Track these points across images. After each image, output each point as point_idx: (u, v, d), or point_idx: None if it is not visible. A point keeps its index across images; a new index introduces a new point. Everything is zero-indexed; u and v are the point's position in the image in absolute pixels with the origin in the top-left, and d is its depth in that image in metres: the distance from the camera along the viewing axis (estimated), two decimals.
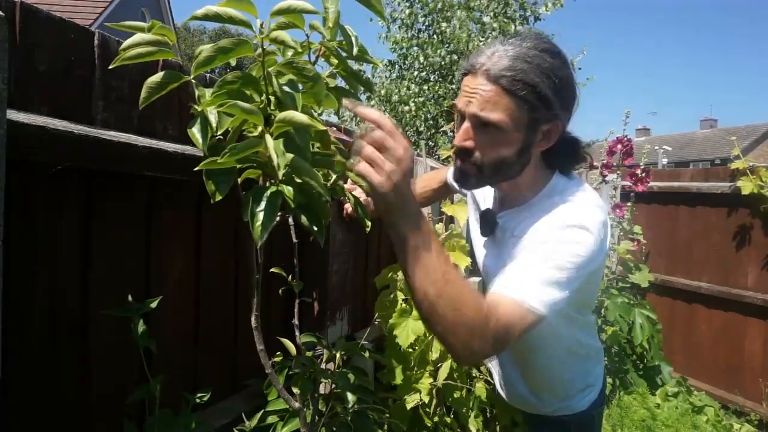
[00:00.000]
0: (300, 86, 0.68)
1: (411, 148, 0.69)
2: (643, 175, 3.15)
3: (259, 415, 1.02)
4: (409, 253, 0.69)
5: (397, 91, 5.76)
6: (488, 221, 1.01)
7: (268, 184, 0.69)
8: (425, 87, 5.70)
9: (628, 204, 3.22)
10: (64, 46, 0.74)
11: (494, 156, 0.83)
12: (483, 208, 1.07)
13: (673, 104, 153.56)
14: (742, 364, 2.87)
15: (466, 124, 0.83)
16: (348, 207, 1.25)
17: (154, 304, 0.84)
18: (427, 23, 6.00)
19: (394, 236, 0.70)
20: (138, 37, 0.66)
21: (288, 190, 0.65)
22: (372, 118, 0.68)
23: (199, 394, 0.93)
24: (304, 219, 0.70)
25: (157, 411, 0.84)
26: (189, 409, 0.90)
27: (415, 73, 5.96)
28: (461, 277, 0.73)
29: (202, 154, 0.90)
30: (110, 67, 0.68)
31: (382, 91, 5.74)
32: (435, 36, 5.88)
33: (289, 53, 0.71)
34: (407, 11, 5.95)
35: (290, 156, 0.63)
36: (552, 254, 0.78)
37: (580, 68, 6.24)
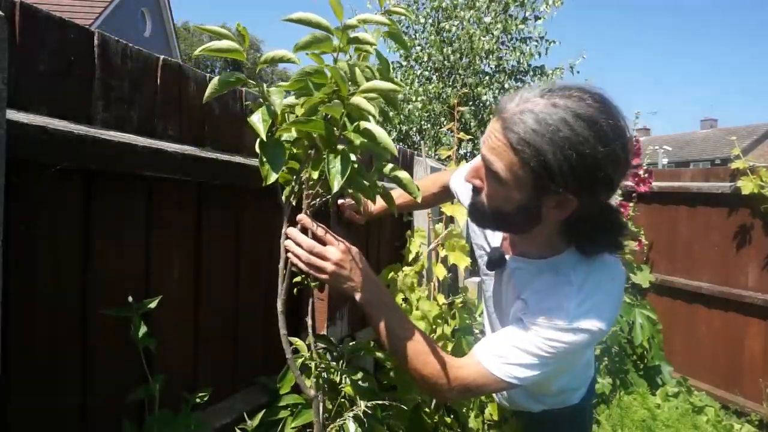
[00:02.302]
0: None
1: (342, 247, 0.85)
2: (646, 175, 3.15)
3: (260, 414, 1.02)
4: (369, 317, 0.86)
5: (401, 89, 5.77)
6: (496, 259, 0.98)
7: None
8: (429, 86, 5.70)
9: (631, 204, 3.21)
10: (64, 46, 0.74)
11: (495, 205, 0.80)
12: (491, 240, 1.03)
13: (673, 104, 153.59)
14: (743, 364, 2.87)
15: (480, 162, 0.81)
16: (345, 204, 1.25)
17: (153, 304, 0.84)
18: (429, 23, 6.00)
19: (361, 303, 0.86)
20: (225, 43, 0.74)
21: (352, 156, 0.76)
22: (304, 226, 0.85)
23: (199, 394, 0.93)
24: (351, 190, 0.87)
25: (156, 411, 0.84)
26: (189, 408, 0.90)
27: (419, 71, 5.96)
28: (419, 336, 0.84)
29: (202, 154, 0.91)
30: (194, 55, 0.80)
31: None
32: (437, 36, 5.88)
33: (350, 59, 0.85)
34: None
35: (376, 108, 0.77)
36: (534, 340, 0.80)
37: (578, 72, 6.24)
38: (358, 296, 0.84)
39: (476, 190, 0.83)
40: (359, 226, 1.43)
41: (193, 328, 1.01)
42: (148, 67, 0.88)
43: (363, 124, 0.75)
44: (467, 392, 0.84)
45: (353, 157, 0.75)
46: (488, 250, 1.03)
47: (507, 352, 0.82)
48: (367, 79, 0.79)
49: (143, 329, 0.81)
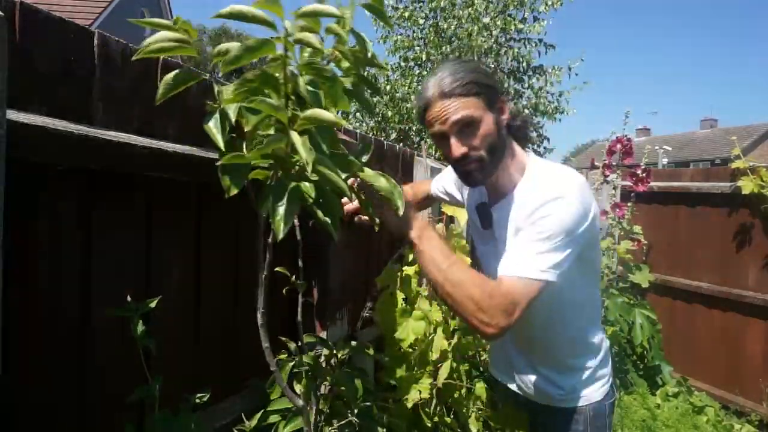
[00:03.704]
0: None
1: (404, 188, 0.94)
2: (644, 175, 3.15)
3: (258, 415, 1.02)
4: (419, 254, 0.93)
5: (400, 87, 5.77)
6: (486, 214, 1.13)
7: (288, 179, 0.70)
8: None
9: (628, 204, 3.21)
10: (64, 46, 0.74)
11: (485, 142, 0.97)
12: (476, 201, 1.17)
13: (673, 104, 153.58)
14: (743, 364, 2.87)
15: (453, 138, 0.97)
16: (349, 207, 1.24)
17: (153, 304, 0.84)
18: (429, 25, 6.00)
19: (409, 244, 0.94)
20: (162, 35, 0.68)
21: (306, 186, 0.68)
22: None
23: (198, 395, 0.93)
24: (320, 214, 0.73)
25: (156, 411, 0.84)
26: (189, 409, 0.90)
27: (417, 71, 5.96)
28: (465, 264, 0.92)
29: (202, 154, 0.90)
30: (133, 59, 0.70)
31: (387, 87, 5.73)
32: (436, 35, 5.88)
33: (306, 54, 0.72)
34: (407, 13, 5.94)
35: (314, 154, 0.65)
36: (539, 229, 0.91)
37: (576, 74, 6.31)
38: (412, 233, 0.93)
39: (464, 159, 0.98)
40: (360, 225, 1.43)
41: (193, 328, 1.01)
42: (148, 67, 0.88)
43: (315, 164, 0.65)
44: (512, 307, 0.87)
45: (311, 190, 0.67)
46: (476, 216, 1.18)
47: (525, 252, 0.91)
48: (352, 63, 0.72)
49: (142, 329, 0.81)
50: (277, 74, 0.67)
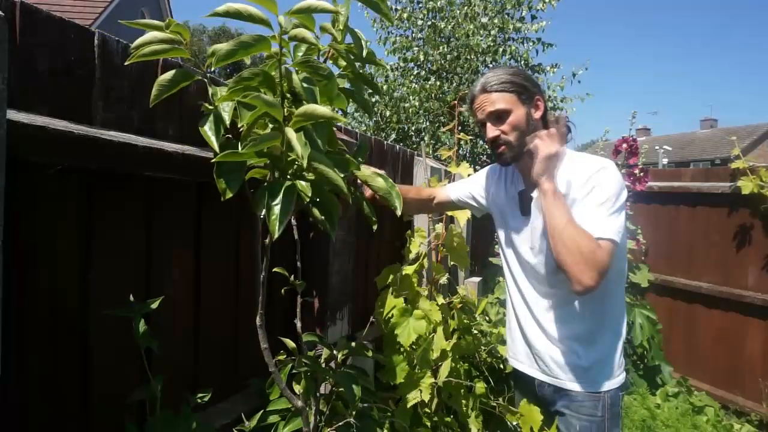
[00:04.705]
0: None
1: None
2: (642, 174, 3.15)
3: (258, 415, 1.02)
4: (549, 199, 1.08)
5: (399, 87, 5.77)
6: (526, 200, 1.26)
7: (284, 178, 0.69)
8: (426, 85, 5.70)
9: (628, 203, 3.21)
10: (64, 46, 0.74)
11: (515, 130, 1.17)
12: (513, 195, 1.30)
13: (673, 104, 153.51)
14: (743, 364, 2.87)
15: (489, 125, 1.19)
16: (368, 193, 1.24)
17: (155, 305, 0.84)
18: (426, 23, 6.00)
19: (542, 189, 1.10)
20: (151, 35, 0.66)
21: (302, 184, 0.67)
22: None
23: (199, 395, 0.93)
24: (316, 212, 0.71)
25: (158, 411, 0.84)
26: (189, 409, 0.90)
27: (416, 71, 5.95)
28: (580, 225, 1.04)
29: (202, 154, 0.90)
30: (126, 63, 0.69)
31: (385, 87, 5.72)
32: (434, 35, 5.87)
33: (300, 53, 0.71)
34: (405, 14, 5.94)
35: (309, 150, 0.65)
36: (599, 196, 1.07)
37: (579, 81, 6.39)
38: (547, 184, 1.09)
39: (497, 143, 1.18)
40: (360, 224, 1.43)
41: (193, 328, 1.01)
42: (148, 67, 0.88)
43: (311, 160, 0.65)
44: (603, 266, 1.02)
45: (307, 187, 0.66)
46: (515, 204, 1.30)
47: (596, 217, 1.05)
48: (348, 61, 0.71)
49: (144, 329, 0.81)
50: (273, 72, 0.67)
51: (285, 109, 0.67)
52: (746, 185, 2.70)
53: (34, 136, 0.63)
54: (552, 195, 1.08)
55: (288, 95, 0.68)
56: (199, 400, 0.92)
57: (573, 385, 1.18)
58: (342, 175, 0.71)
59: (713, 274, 3.02)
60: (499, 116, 1.17)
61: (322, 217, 0.73)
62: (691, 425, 2.71)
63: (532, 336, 1.25)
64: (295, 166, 0.70)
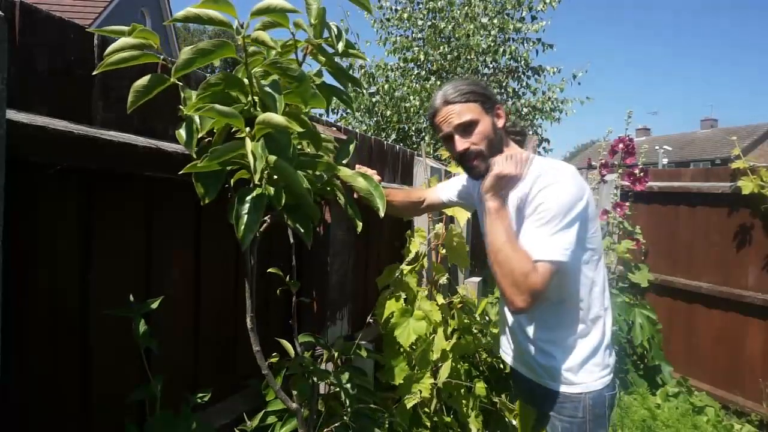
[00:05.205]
0: (286, 86, 0.68)
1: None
2: (641, 174, 3.15)
3: (260, 415, 1.02)
4: (492, 218, 1.07)
5: (400, 87, 5.76)
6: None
7: (254, 185, 0.68)
8: (427, 85, 5.70)
9: (627, 203, 3.21)
10: (64, 46, 0.74)
11: (485, 139, 1.15)
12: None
13: (673, 104, 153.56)
14: (743, 364, 2.86)
15: (457, 137, 1.16)
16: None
17: (155, 305, 0.84)
18: (426, 23, 6.00)
19: (486, 206, 1.09)
20: (121, 41, 0.65)
21: (271, 191, 0.65)
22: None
23: (199, 395, 0.93)
24: (290, 220, 0.70)
25: (157, 411, 0.84)
26: (189, 409, 0.90)
27: (416, 71, 5.96)
28: (519, 246, 1.03)
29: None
30: (93, 73, 0.68)
31: (385, 86, 5.72)
32: (434, 35, 5.87)
33: (273, 53, 0.71)
34: (406, 14, 5.94)
35: (273, 158, 0.63)
36: (542, 215, 1.04)
37: (579, 83, 6.39)
38: (494, 203, 1.08)
39: (467, 155, 1.16)
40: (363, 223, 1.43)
41: (193, 328, 1.01)
42: (148, 66, 0.88)
43: (276, 163, 0.64)
44: (536, 288, 1.00)
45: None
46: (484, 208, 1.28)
47: (538, 238, 1.03)
48: (326, 55, 0.69)
49: (144, 329, 0.81)
50: (242, 76, 0.65)
51: (255, 114, 0.65)
52: (746, 185, 2.70)
53: (34, 136, 0.63)
54: (495, 213, 1.08)
55: (257, 99, 0.67)
56: (198, 400, 0.92)
57: (553, 385, 1.17)
58: (306, 182, 0.69)
59: (713, 274, 3.02)
60: (466, 128, 1.15)
61: (296, 225, 0.71)
62: (691, 425, 2.71)
63: (516, 334, 1.26)
64: (266, 173, 0.68)
